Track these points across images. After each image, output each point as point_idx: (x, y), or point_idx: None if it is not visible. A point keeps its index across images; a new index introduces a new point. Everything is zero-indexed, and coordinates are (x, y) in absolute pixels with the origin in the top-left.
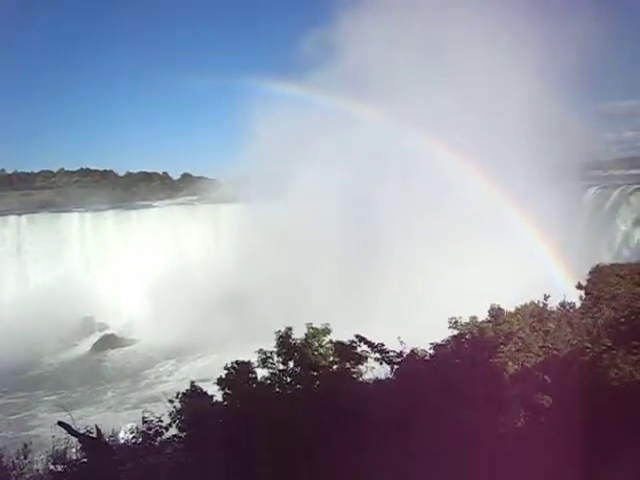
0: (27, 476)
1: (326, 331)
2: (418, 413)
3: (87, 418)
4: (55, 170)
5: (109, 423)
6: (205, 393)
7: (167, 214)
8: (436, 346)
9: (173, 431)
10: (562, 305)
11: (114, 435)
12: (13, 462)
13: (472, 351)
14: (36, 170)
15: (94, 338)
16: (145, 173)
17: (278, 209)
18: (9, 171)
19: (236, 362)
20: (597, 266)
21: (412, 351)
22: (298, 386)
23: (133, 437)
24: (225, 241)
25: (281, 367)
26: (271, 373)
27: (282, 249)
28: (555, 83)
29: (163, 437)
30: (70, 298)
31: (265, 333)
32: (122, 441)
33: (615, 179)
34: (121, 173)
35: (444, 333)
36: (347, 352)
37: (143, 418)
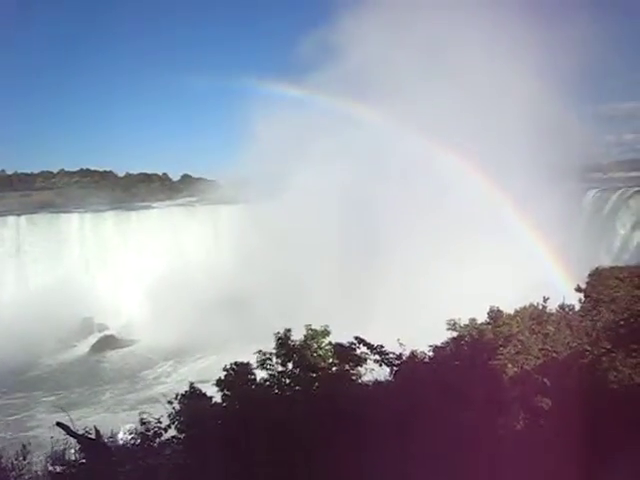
0: (26, 477)
1: (325, 333)
2: (417, 415)
3: (86, 419)
4: (55, 171)
5: (108, 424)
6: (204, 394)
7: (167, 215)
8: (435, 348)
9: (172, 432)
10: (561, 307)
11: (113, 436)
12: (12, 463)
13: (471, 353)
14: (36, 171)
15: (93, 339)
16: (145, 174)
17: (278, 210)
18: (9, 172)
19: (235, 363)
20: (596, 269)
21: (412, 353)
22: (297, 388)
23: (132, 438)
24: (225, 242)
25: (280, 368)
26: (270, 374)
27: (282, 250)
28: (555, 85)
29: (162, 438)
30: (69, 299)
31: (265, 334)
32: (121, 442)
33: (615, 181)
34: (121, 174)
35: (444, 334)
36: (346, 354)
37: (141, 419)
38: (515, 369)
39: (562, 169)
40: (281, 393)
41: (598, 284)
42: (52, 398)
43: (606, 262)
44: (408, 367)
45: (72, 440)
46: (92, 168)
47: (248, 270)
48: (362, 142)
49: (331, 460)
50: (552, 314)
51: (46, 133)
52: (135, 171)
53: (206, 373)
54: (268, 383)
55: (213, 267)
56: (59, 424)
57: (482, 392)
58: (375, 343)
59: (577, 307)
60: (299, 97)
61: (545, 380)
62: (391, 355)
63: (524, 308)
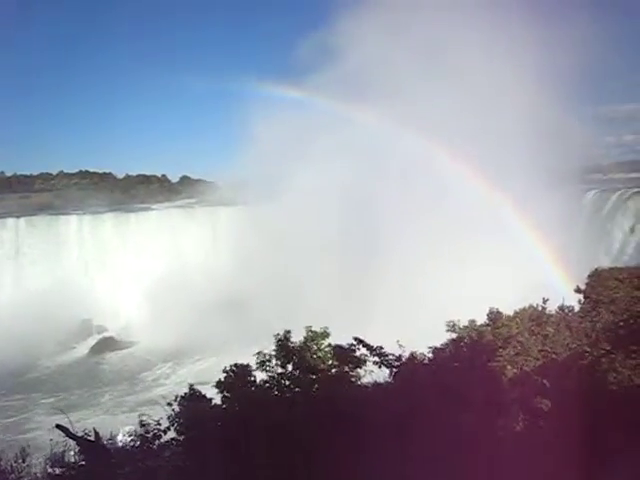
0: (25, 479)
1: (325, 334)
2: (417, 417)
3: (85, 421)
4: (54, 172)
5: (107, 426)
6: (204, 396)
7: (166, 217)
8: (435, 350)
9: (171, 434)
10: (561, 309)
11: (112, 438)
12: (11, 465)
13: (471, 355)
14: (35, 172)
15: (92, 341)
16: (144, 176)
17: (276, 211)
18: (8, 173)
19: (235, 365)
20: (596, 270)
21: (411, 354)
22: (297, 389)
23: (131, 440)
24: (223, 244)
25: (280, 370)
26: (270, 376)
27: (281, 251)
28: (555, 86)
29: (161, 440)
30: (68, 301)
31: (264, 336)
32: (120, 444)
33: (614, 183)
34: (120, 176)
35: (444, 335)
36: (346, 355)
37: (140, 421)
38: (514, 370)
39: (562, 170)
40: (281, 395)
41: (597, 285)
42: (51, 400)
43: (605, 263)
44: (407, 369)
45: (71, 442)
46: (91, 170)
47: (247, 272)
48: (362, 142)
49: (331, 461)
50: (551, 315)
51: (45, 135)
52: (134, 173)
53: (205, 375)
54: (268, 385)
55: (212, 269)
56: (58, 426)
57: (481, 393)
58: (375, 344)
59: (576, 308)
60: (298, 99)
61: (544, 381)
62: (390, 357)
63: (523, 309)
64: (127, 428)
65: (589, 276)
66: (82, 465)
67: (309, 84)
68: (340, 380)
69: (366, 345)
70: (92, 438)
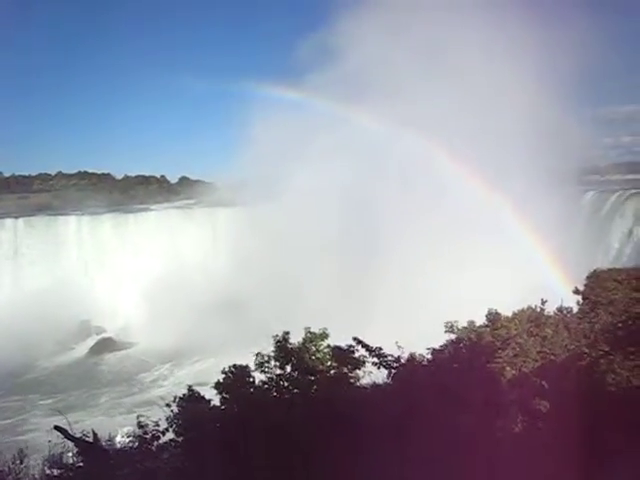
0: None
1: (324, 335)
2: (415, 418)
3: (83, 422)
4: (53, 173)
5: (105, 427)
6: (202, 397)
7: (164, 217)
8: (434, 351)
9: (170, 435)
10: (559, 310)
11: (110, 439)
12: (9, 467)
13: (470, 356)
14: (33, 173)
15: (91, 341)
16: (143, 176)
17: (275, 211)
18: (7, 174)
19: (234, 366)
20: (594, 271)
21: (410, 356)
22: (295, 390)
23: (130, 441)
24: (222, 244)
25: (279, 371)
26: (268, 377)
27: (280, 252)
28: (554, 87)
29: (160, 441)
30: (67, 301)
31: (263, 337)
32: (119, 445)
33: (612, 184)
34: (119, 176)
35: (443, 336)
36: (345, 357)
37: (139, 422)
38: (513, 372)
39: (560, 171)
40: (279, 396)
41: (596, 286)
42: (49, 401)
43: (604, 264)
44: (406, 370)
45: (69, 443)
46: (90, 170)
47: (246, 272)
48: (361, 142)
49: (329, 463)
50: (550, 317)
51: (44, 135)
52: (133, 173)
53: (204, 376)
54: (266, 386)
55: (211, 269)
56: (56, 427)
57: (480, 395)
58: (374, 345)
59: (575, 309)
60: (297, 100)
61: (543, 383)
62: (389, 358)
63: (522, 311)
64: (125, 429)
65: (587, 277)
66: (80, 466)
67: (309, 84)
68: (339, 381)
69: (365, 346)
70: (90, 439)
